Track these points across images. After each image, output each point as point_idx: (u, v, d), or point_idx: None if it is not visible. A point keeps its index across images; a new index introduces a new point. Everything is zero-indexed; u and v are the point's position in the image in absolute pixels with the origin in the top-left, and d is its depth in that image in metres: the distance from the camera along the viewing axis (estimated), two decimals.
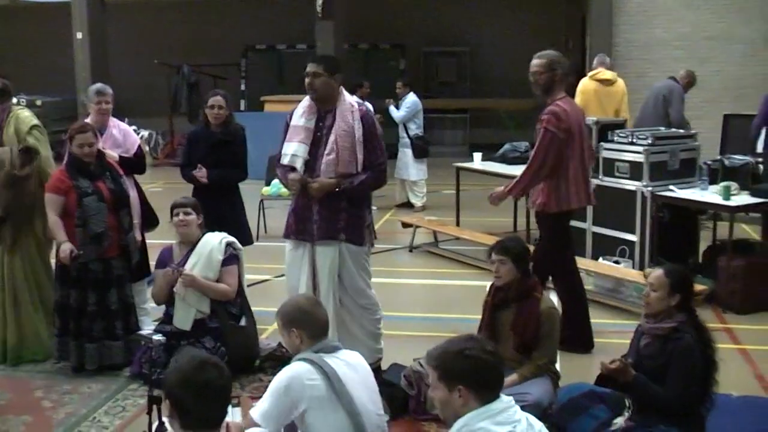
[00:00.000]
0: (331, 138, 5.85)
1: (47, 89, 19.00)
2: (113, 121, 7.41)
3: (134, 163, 7.33)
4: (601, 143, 9.02)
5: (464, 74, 21.94)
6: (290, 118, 6.09)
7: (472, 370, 3.34)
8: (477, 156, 11.51)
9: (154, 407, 5.19)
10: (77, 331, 6.37)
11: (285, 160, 6.01)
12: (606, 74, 11.61)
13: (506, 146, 11.32)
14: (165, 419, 4.46)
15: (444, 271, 9.71)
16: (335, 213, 5.92)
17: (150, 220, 7.48)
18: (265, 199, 11.36)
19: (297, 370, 4.15)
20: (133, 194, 6.99)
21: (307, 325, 4.29)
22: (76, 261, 6.19)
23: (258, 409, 4.15)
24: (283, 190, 11.20)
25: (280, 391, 4.12)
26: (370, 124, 5.97)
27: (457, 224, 11.20)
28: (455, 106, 20.96)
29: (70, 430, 5.66)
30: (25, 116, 7.12)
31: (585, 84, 11.64)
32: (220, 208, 7.15)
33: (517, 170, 10.48)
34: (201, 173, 7.36)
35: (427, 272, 9.77)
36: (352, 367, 4.25)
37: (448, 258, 10.16)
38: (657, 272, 4.99)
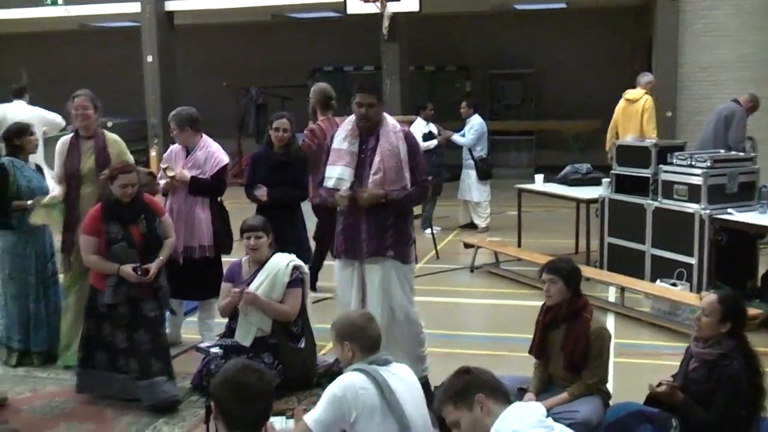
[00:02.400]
0: (377, 158, 5.98)
1: (117, 111, 19.47)
2: (204, 141, 7.57)
3: (207, 186, 7.44)
4: (660, 165, 9.03)
5: (529, 96, 21.94)
6: (332, 141, 6.23)
7: (478, 379, 3.50)
8: (538, 178, 11.58)
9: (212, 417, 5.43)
10: (108, 362, 6.38)
11: (330, 183, 6.13)
12: (630, 93, 12.13)
13: (567, 168, 11.37)
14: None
15: (504, 291, 9.79)
16: (382, 230, 6.05)
17: (225, 244, 7.60)
18: None
19: (351, 379, 4.29)
20: (204, 216, 7.22)
21: (360, 340, 4.45)
22: (144, 274, 6.17)
23: (311, 415, 4.30)
24: None
25: (333, 398, 4.26)
26: (413, 144, 6.12)
27: (519, 245, 11.27)
28: (520, 128, 21.00)
29: None
30: (118, 139, 7.34)
31: (619, 104, 12.28)
32: (280, 226, 7.28)
33: (579, 191, 10.68)
34: (261, 192, 7.57)
35: (487, 292, 9.85)
36: (402, 380, 4.38)
37: (508, 278, 10.23)
38: (710, 298, 5.05)
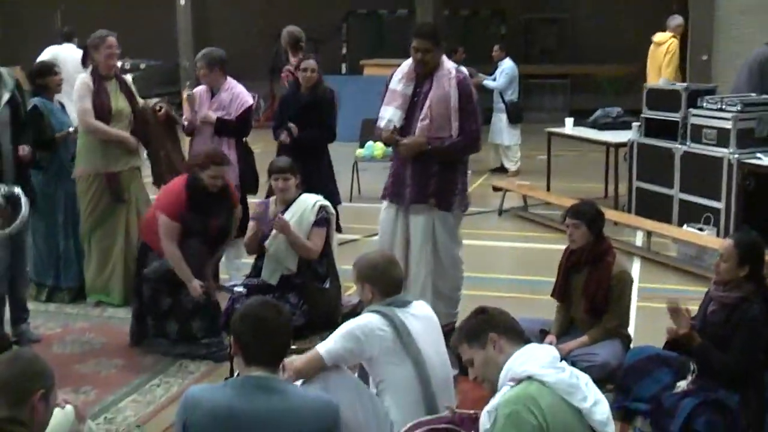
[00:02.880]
0: (426, 104, 5.97)
1: (150, 54, 19.52)
2: (229, 83, 7.65)
3: (231, 127, 7.55)
4: (690, 109, 8.98)
5: (564, 41, 21.77)
6: (389, 81, 6.24)
7: (492, 319, 3.57)
8: (569, 121, 11.57)
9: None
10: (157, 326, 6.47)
11: (381, 124, 6.20)
12: (658, 36, 12.24)
13: (598, 112, 11.36)
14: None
15: (531, 234, 9.84)
16: (426, 178, 6.07)
17: (251, 185, 7.73)
18: (359, 161, 11.60)
19: (369, 319, 4.36)
20: (230, 157, 7.31)
21: (380, 283, 4.51)
22: (206, 296, 6.25)
23: (324, 345, 4.34)
24: (377, 152, 11.45)
25: (350, 336, 4.33)
26: (467, 92, 6.04)
27: (548, 189, 11.29)
28: (555, 72, 20.87)
29: (157, 374, 6.06)
30: (129, 79, 7.56)
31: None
32: (307, 168, 7.26)
33: (609, 135, 10.66)
34: (283, 137, 7.61)
35: (514, 235, 9.90)
36: (421, 320, 4.43)
37: (536, 222, 10.27)
38: (727, 242, 5.07)
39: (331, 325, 6.52)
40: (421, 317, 4.47)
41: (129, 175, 7.36)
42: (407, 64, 6.16)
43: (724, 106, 8.58)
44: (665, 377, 5.03)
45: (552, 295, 5.86)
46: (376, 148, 11.42)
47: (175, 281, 6.27)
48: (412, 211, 6.16)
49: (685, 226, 8.70)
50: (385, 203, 6.38)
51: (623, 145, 10.14)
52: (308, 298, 6.49)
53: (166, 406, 5.58)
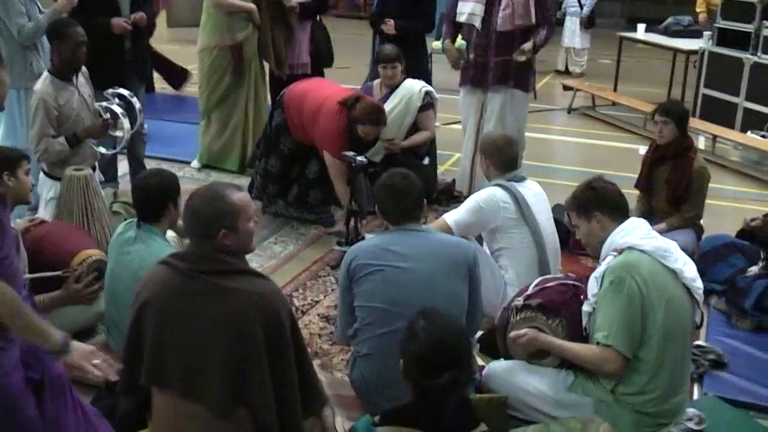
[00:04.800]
0: None
1: None
2: None
3: (311, 9, 8.06)
4: (764, 21, 9.39)
5: None
6: None
7: (600, 198, 4.09)
8: (641, 27, 11.91)
9: (351, 219, 6.21)
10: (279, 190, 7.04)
11: (462, 18, 6.81)
12: None
13: (669, 19, 11.73)
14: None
15: (599, 132, 10.36)
16: (508, 63, 6.74)
17: (325, 60, 8.34)
18: (434, 53, 12.02)
19: (494, 192, 4.96)
20: (304, 36, 7.97)
21: (495, 157, 5.11)
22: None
23: (452, 216, 4.97)
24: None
25: (477, 207, 4.94)
26: None
27: (615, 91, 11.75)
28: None
29: (273, 232, 6.80)
30: None
31: None
32: (405, 56, 7.52)
33: (680, 43, 11.08)
34: (387, 26, 8.05)
35: (582, 132, 10.42)
36: (535, 194, 5.05)
37: (603, 121, 10.78)
38: None
39: (427, 200, 7.19)
40: (534, 192, 5.08)
41: (250, 48, 7.82)
42: None
43: None
44: (738, 262, 5.66)
45: (636, 186, 6.38)
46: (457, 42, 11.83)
47: (305, 154, 6.85)
48: (491, 91, 6.87)
49: (749, 132, 9.23)
50: (463, 89, 7.06)
51: (694, 52, 10.57)
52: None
53: (285, 262, 6.24)
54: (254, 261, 5.98)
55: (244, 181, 7.50)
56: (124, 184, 7.05)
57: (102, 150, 6.25)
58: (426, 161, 7.34)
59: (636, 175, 6.41)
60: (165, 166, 7.58)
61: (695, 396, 4.42)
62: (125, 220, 5.80)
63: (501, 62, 6.75)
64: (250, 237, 3.41)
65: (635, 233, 3.99)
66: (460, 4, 6.83)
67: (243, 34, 7.71)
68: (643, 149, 9.10)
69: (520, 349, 4.09)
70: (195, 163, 8.17)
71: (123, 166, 7.39)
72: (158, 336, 3.27)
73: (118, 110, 6.09)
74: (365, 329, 4.00)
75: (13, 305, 2.98)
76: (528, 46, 6.65)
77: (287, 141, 6.82)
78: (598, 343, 3.81)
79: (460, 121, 7.44)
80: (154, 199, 4.42)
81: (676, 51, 11.28)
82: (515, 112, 6.98)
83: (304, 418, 3.44)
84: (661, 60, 12.62)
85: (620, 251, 3.92)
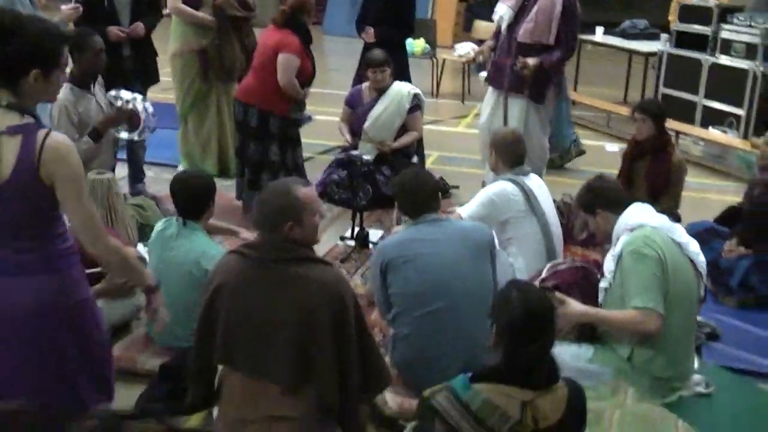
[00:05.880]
0: (534, 9, 6.86)
1: None
2: None
3: None
4: (721, 24, 9.90)
5: None
6: None
7: (599, 196, 4.54)
8: (599, 30, 12.26)
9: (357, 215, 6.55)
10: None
11: (494, 17, 7.17)
12: None
13: (626, 23, 12.18)
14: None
15: None
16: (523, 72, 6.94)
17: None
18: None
19: (504, 186, 5.32)
20: None
21: (504, 153, 5.48)
22: None
23: (466, 209, 5.32)
24: (416, 49, 12.15)
25: (489, 201, 5.30)
26: (571, 8, 6.88)
27: (574, 91, 12.13)
28: None
29: None
30: None
31: None
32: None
33: (638, 45, 11.57)
34: (366, 34, 8.29)
35: None
36: (540, 187, 5.44)
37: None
38: None
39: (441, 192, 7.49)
40: (538, 184, 5.47)
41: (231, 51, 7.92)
42: None
43: (753, 23, 9.54)
44: (718, 246, 6.10)
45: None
46: (416, 45, 12.27)
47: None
48: (511, 98, 7.10)
49: (710, 128, 9.75)
50: (489, 88, 7.37)
51: (653, 54, 11.08)
52: (399, 170, 7.42)
53: None
54: None
55: (229, 183, 7.70)
56: (123, 187, 7.25)
57: (124, 135, 6.35)
58: (415, 160, 7.70)
59: (606, 170, 6.69)
60: (156, 170, 8.05)
61: (696, 365, 4.86)
62: (137, 222, 6.14)
63: (517, 72, 6.95)
64: (315, 230, 3.71)
65: (643, 213, 4.44)
66: (499, 3, 7.14)
67: (208, 39, 7.85)
68: (609, 146, 9.67)
69: (565, 323, 4.30)
70: (181, 167, 8.36)
71: (121, 170, 7.58)
72: (232, 318, 3.59)
73: (128, 95, 6.16)
74: (404, 313, 4.34)
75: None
76: (532, 62, 6.80)
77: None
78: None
79: (433, 122, 7.72)
80: (197, 198, 4.76)
81: (632, 53, 11.79)
82: (540, 125, 7.17)
83: (369, 399, 3.80)
84: (617, 62, 13.09)
85: (632, 229, 4.33)
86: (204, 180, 4.89)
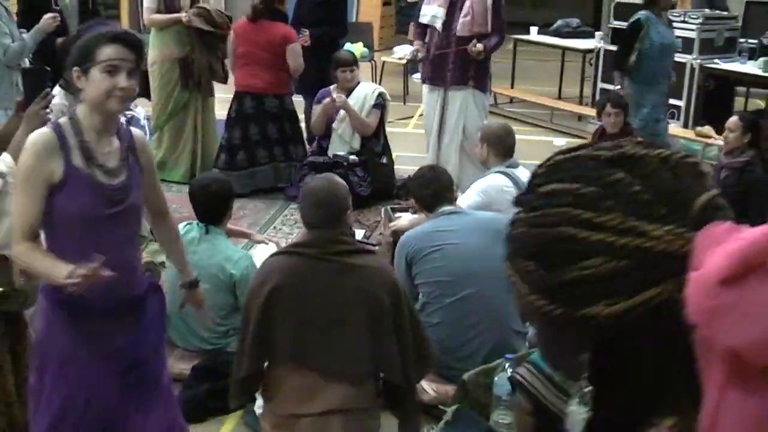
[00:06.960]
0: (467, 3, 7.16)
1: None
2: None
3: None
4: None
5: None
6: None
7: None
8: (533, 30, 12.62)
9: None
10: (249, 159, 7.76)
11: (424, 20, 7.37)
12: None
13: (559, 22, 12.54)
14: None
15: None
16: (467, 63, 7.27)
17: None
18: None
19: (496, 178, 5.57)
20: None
21: (495, 146, 5.71)
22: None
23: (464, 201, 5.50)
24: (356, 53, 12.40)
25: (482, 192, 5.51)
26: None
27: (512, 88, 12.45)
28: None
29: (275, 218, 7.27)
30: None
31: None
32: (321, 64, 7.97)
33: (573, 42, 11.94)
34: (303, 38, 8.15)
35: None
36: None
37: (509, 117, 11.16)
38: (733, 118, 6.55)
39: (388, 195, 7.73)
40: (527, 176, 5.67)
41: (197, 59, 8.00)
42: None
43: (687, 19, 9.99)
44: None
45: None
46: (356, 49, 12.41)
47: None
48: (452, 92, 7.38)
49: None
50: (425, 87, 7.61)
51: (590, 51, 11.47)
52: (371, 172, 7.63)
53: None
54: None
55: None
56: None
57: None
58: (384, 160, 7.89)
59: None
60: None
61: None
62: None
63: (459, 64, 7.26)
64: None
65: None
66: (424, 6, 7.36)
67: (188, 47, 7.94)
68: (557, 141, 9.95)
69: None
70: None
71: None
72: (301, 316, 3.68)
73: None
74: (433, 302, 4.53)
75: None
76: (480, 46, 7.12)
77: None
78: None
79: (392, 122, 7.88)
80: (218, 204, 4.89)
81: (565, 50, 12.15)
82: (478, 111, 7.46)
83: (419, 381, 3.97)
84: (550, 60, 13.41)
85: None
86: (223, 185, 5.03)
